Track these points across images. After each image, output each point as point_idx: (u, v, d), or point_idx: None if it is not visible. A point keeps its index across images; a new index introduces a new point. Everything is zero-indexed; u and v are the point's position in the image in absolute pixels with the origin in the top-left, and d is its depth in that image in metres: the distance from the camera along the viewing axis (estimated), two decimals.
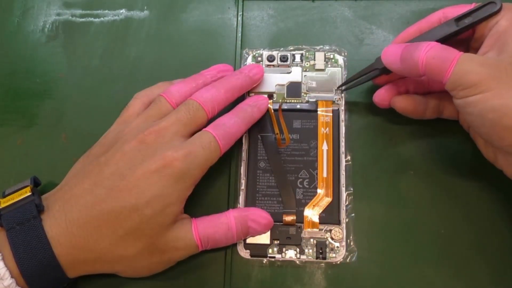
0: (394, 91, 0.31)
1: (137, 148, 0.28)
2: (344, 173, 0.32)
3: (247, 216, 0.29)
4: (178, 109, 0.29)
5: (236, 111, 0.31)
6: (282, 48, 0.35)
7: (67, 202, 0.27)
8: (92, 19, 0.38)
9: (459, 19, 0.29)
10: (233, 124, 0.30)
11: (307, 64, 0.34)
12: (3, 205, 0.27)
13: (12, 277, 0.25)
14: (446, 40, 0.29)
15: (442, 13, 0.30)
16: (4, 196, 0.28)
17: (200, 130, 0.29)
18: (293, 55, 0.35)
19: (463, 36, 0.29)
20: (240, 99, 0.32)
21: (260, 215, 0.30)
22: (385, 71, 0.31)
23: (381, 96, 0.31)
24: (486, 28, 0.28)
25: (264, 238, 0.30)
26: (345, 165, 0.32)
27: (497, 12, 0.27)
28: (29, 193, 0.27)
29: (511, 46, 0.25)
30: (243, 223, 0.29)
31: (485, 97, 0.24)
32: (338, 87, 0.33)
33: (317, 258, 0.30)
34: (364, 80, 0.32)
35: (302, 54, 0.35)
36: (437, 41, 0.28)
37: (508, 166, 0.27)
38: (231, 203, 0.32)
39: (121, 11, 0.38)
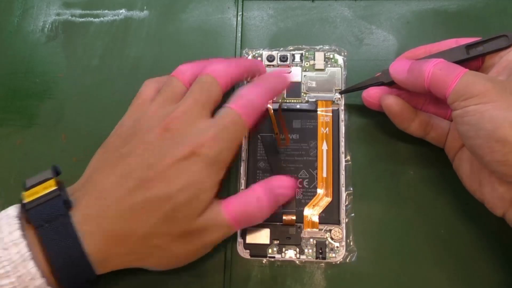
0: (385, 92, 0.31)
1: (161, 137, 0.27)
2: (344, 173, 0.32)
3: (272, 184, 0.29)
4: (192, 89, 0.29)
5: (259, 81, 0.30)
6: (282, 48, 0.35)
7: (96, 197, 0.26)
8: (92, 19, 0.38)
9: (469, 46, 0.28)
10: (256, 95, 0.28)
11: (307, 64, 0.34)
12: (27, 199, 0.26)
13: (43, 276, 0.24)
14: None
15: (455, 42, 0.30)
16: (26, 189, 0.26)
17: (218, 104, 0.29)
18: (293, 55, 0.35)
19: (472, 65, 0.29)
20: None
21: (282, 179, 0.29)
22: (388, 84, 0.30)
23: (370, 92, 0.31)
24: (497, 57, 0.28)
25: (264, 238, 0.30)
26: (345, 165, 0.32)
27: (509, 46, 0.28)
28: (54, 187, 0.26)
29: None
30: (271, 192, 0.28)
31: (486, 107, 0.24)
32: (340, 92, 0.33)
33: (317, 258, 0.30)
34: (364, 88, 0.32)
35: (302, 54, 0.35)
36: None
37: (491, 193, 0.27)
38: None
39: (121, 11, 0.38)
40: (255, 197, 0.28)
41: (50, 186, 0.26)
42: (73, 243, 0.25)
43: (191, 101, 0.28)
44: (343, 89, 0.33)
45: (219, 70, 0.29)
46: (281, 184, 0.29)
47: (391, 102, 0.30)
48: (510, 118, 0.24)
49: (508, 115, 0.24)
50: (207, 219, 0.27)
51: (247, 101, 0.28)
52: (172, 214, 0.26)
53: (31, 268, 0.24)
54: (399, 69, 0.29)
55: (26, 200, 0.26)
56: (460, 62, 0.28)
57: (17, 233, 0.24)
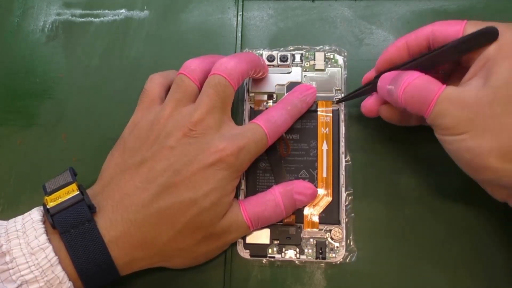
0: (381, 101, 0.31)
1: (186, 142, 0.27)
2: (344, 173, 0.32)
3: (292, 189, 0.30)
4: (208, 93, 0.28)
5: (286, 105, 0.31)
6: (282, 48, 0.35)
7: (120, 202, 0.26)
8: (92, 19, 0.38)
9: (452, 46, 0.27)
10: (283, 122, 0.30)
11: (307, 64, 0.34)
12: (51, 205, 0.26)
13: (69, 280, 0.25)
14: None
15: (431, 31, 0.28)
16: (48, 193, 0.26)
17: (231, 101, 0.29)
18: (293, 55, 0.35)
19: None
20: None
21: (304, 186, 0.30)
22: None
23: (368, 107, 0.31)
24: (476, 53, 0.26)
25: (264, 238, 0.30)
26: (345, 165, 0.32)
27: (489, 43, 0.25)
28: (76, 192, 0.26)
29: (495, 78, 0.24)
30: (289, 197, 0.29)
31: (461, 138, 0.25)
32: (337, 101, 0.33)
33: (316, 258, 0.30)
34: (361, 95, 0.32)
35: (302, 54, 0.35)
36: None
37: (489, 184, 0.27)
38: None
39: (121, 11, 0.38)
40: (274, 201, 0.29)
41: (72, 191, 0.26)
42: (99, 249, 0.25)
43: (209, 105, 0.28)
44: (341, 96, 0.33)
45: (230, 69, 0.29)
46: (301, 191, 0.30)
47: (389, 114, 0.30)
48: (485, 146, 0.24)
49: (483, 143, 0.24)
50: (228, 221, 0.28)
51: (275, 126, 0.29)
52: (197, 218, 0.26)
53: (59, 272, 0.24)
54: (381, 87, 0.29)
55: (49, 205, 0.26)
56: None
57: (43, 238, 0.25)
